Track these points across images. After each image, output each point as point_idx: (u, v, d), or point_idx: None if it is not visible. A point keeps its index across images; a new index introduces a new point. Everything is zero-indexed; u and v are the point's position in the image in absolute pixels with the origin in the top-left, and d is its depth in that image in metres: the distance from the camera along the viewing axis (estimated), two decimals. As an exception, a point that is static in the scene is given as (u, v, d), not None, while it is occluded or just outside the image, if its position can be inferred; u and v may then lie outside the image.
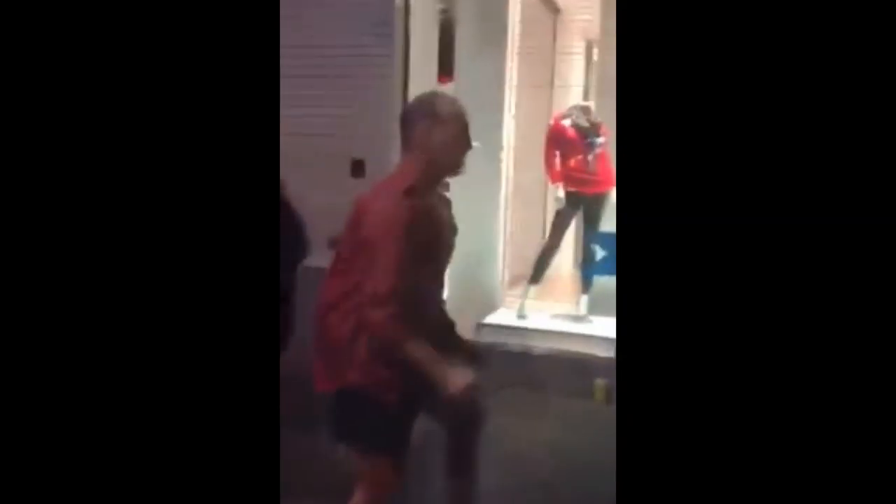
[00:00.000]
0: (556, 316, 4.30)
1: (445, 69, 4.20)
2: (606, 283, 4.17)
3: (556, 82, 5.43)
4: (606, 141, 4.07)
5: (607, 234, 3.51)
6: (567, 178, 4.17)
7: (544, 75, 5.27)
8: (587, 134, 4.12)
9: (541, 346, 4.04)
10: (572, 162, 4.15)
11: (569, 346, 3.73)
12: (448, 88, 4.34)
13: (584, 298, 4.26)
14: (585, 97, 5.18)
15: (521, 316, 4.21)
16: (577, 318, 4.24)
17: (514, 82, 4.49)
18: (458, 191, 3.51)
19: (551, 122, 4.39)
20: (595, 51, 4.57)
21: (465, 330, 4.13)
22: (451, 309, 3.26)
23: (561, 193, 4.20)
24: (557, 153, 4.18)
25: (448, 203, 1.77)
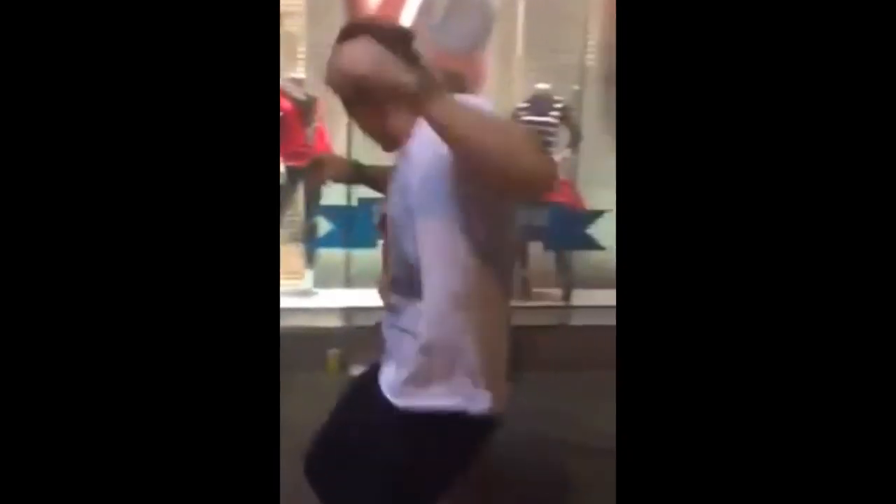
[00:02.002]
0: (283, 293, 4.24)
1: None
2: (330, 256, 4.25)
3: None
4: (322, 115, 4.09)
5: (333, 207, 3.56)
6: (286, 153, 4.10)
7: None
8: (303, 107, 4.09)
9: (269, 324, 3.95)
10: (291, 135, 4.09)
11: (298, 321, 3.72)
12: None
13: (309, 273, 4.28)
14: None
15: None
16: (304, 293, 4.25)
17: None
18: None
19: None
20: (296, 24, 4.52)
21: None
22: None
23: (283, 169, 4.12)
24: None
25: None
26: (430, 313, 1.14)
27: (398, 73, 0.89)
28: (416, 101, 0.90)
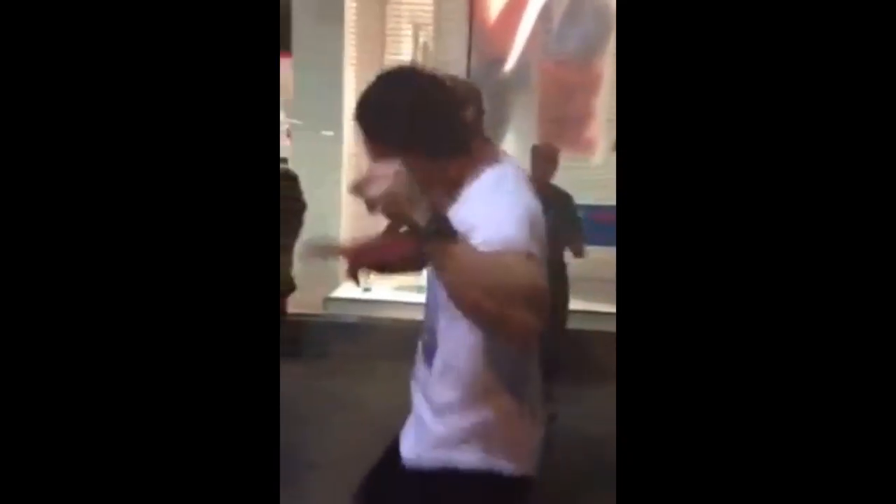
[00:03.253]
0: (399, 287, 4.49)
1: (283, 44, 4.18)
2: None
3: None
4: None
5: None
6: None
7: (378, 56, 5.38)
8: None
9: (386, 316, 4.21)
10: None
11: (413, 315, 3.92)
12: (286, 64, 4.31)
13: (426, 269, 4.48)
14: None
15: (367, 289, 4.35)
16: (420, 289, 4.45)
17: (353, 61, 4.57)
18: (300, 168, 3.55)
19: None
20: (421, 34, 4.77)
21: (313, 306, 4.21)
22: (300, 285, 3.32)
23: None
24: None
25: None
26: (440, 380, 1.15)
27: (410, 210, 0.89)
28: (420, 240, 0.90)
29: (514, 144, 4.28)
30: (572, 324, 3.42)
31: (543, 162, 3.18)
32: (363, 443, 1.61)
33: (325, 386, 3.55)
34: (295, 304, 3.68)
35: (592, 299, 3.76)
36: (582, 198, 3.52)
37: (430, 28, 4.70)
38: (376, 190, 0.88)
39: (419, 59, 4.52)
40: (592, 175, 4.15)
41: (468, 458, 1.14)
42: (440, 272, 0.93)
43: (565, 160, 3.38)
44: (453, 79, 1.20)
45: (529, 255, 0.95)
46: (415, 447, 1.22)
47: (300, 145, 4.33)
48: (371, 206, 0.90)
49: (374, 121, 1.06)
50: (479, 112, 1.20)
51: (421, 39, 4.71)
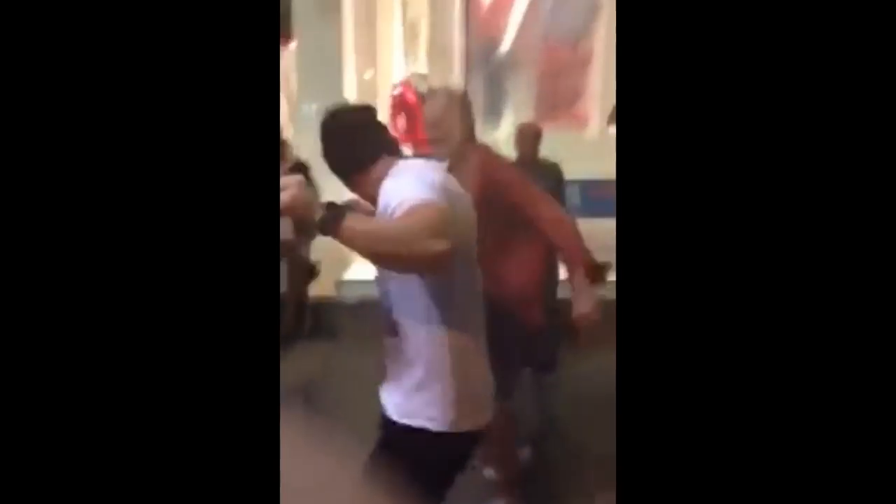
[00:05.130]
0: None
1: (284, 30, 4.34)
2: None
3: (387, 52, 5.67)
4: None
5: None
6: (413, 141, 4.51)
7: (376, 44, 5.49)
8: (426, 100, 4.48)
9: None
10: (416, 125, 4.50)
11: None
12: (289, 49, 4.47)
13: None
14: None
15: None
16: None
17: (353, 46, 4.72)
18: (313, 157, 3.69)
19: (397, 89, 4.69)
20: (422, 22, 4.91)
21: (327, 287, 4.40)
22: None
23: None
24: (402, 117, 4.50)
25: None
26: (406, 349, 1.39)
27: (306, 210, 1.15)
28: (323, 231, 1.18)
29: (512, 122, 4.46)
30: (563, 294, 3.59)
31: (528, 139, 3.46)
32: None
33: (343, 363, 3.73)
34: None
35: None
36: (575, 172, 3.71)
37: (427, 13, 4.84)
38: (284, 197, 1.14)
39: (415, 44, 4.66)
40: (587, 149, 4.34)
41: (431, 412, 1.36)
42: (347, 245, 1.17)
43: (560, 135, 3.58)
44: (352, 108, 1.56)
45: (425, 202, 1.19)
46: (391, 406, 1.44)
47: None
48: (282, 211, 1.15)
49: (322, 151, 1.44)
50: (380, 126, 1.52)
51: (418, 26, 4.85)
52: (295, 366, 3.30)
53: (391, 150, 1.42)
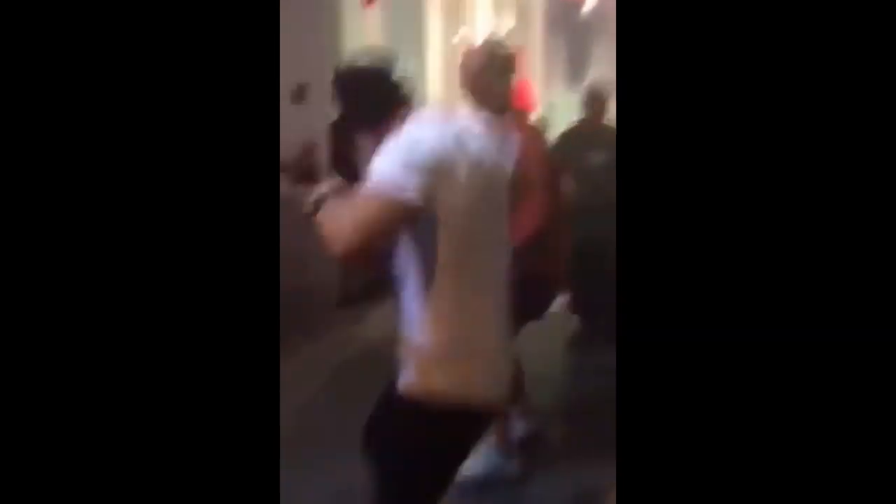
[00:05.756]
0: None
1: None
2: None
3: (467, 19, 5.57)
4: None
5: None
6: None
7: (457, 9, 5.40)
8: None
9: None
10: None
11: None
12: (373, 11, 4.54)
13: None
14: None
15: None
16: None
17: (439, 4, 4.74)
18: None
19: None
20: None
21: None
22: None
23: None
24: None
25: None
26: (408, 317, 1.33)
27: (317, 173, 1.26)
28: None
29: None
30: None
31: (595, 101, 3.23)
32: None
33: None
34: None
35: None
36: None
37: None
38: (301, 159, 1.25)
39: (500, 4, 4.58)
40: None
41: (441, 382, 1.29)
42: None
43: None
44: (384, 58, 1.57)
45: (377, 188, 1.20)
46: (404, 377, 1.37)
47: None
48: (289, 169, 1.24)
49: (337, 98, 1.46)
50: (396, 84, 1.51)
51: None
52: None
53: (406, 103, 1.42)
